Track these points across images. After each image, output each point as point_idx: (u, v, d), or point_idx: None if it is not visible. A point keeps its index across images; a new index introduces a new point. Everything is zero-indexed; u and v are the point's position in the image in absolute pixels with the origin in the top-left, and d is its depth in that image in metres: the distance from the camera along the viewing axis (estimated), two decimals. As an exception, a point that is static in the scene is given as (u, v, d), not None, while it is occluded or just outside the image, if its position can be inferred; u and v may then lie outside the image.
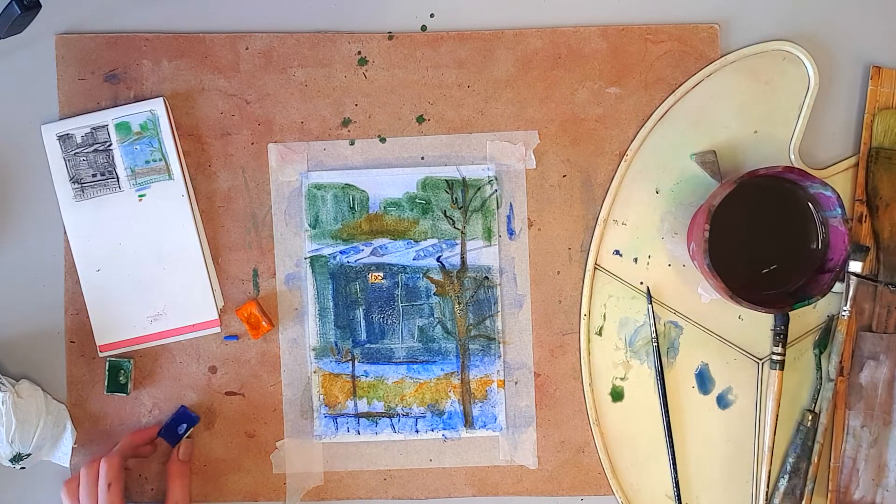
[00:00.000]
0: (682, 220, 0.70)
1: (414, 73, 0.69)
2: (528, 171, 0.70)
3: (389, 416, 0.69)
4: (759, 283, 0.65)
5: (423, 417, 0.70)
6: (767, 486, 0.69)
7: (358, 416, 0.69)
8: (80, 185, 0.68)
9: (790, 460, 0.69)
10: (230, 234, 0.69)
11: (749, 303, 0.62)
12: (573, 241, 0.70)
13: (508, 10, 0.70)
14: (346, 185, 0.69)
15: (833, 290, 0.66)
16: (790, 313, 0.68)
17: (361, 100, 0.69)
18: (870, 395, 0.69)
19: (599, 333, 0.70)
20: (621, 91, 0.70)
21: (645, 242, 0.70)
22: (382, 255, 0.69)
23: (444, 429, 0.70)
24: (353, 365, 0.69)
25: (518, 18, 0.70)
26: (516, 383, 0.70)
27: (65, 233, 0.69)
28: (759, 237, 0.66)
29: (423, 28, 0.70)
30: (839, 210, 0.63)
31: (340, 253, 0.69)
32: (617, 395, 0.70)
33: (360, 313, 0.69)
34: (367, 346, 0.69)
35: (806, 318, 0.69)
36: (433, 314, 0.69)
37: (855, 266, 0.67)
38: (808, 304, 0.63)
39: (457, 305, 0.69)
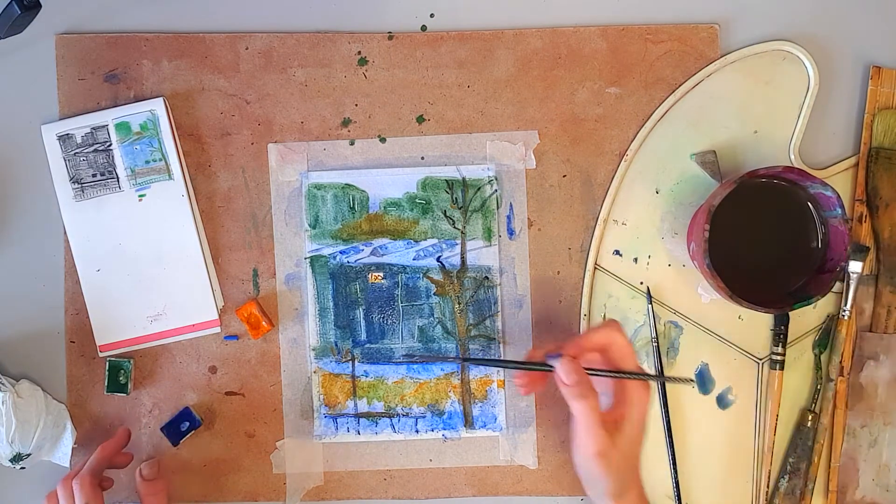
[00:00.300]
0: (682, 220, 0.70)
1: (414, 73, 0.69)
2: (528, 171, 0.70)
3: (389, 416, 0.69)
4: (759, 283, 0.65)
5: (423, 417, 0.70)
6: (767, 486, 0.69)
7: (358, 416, 0.69)
8: (80, 185, 0.68)
9: (790, 460, 0.69)
10: (230, 234, 0.69)
11: (749, 303, 0.62)
12: (573, 241, 0.70)
13: (508, 10, 0.70)
14: (346, 185, 0.69)
15: (833, 290, 0.66)
16: (790, 313, 0.68)
17: (361, 100, 0.69)
18: (870, 395, 0.69)
19: (599, 333, 0.70)
20: (621, 91, 0.70)
21: (645, 242, 0.70)
22: (382, 255, 0.69)
23: (444, 429, 0.70)
24: (353, 365, 0.69)
25: (518, 18, 0.70)
26: (516, 383, 0.70)
27: (65, 233, 0.69)
28: (759, 237, 0.66)
29: (423, 28, 0.70)
30: (839, 210, 0.63)
31: (340, 253, 0.69)
32: (617, 395, 0.70)
33: (360, 313, 0.69)
34: (367, 346, 0.69)
35: (806, 318, 0.69)
36: (433, 314, 0.69)
37: (855, 266, 0.67)
38: (808, 304, 0.63)
39: (457, 305, 0.69)
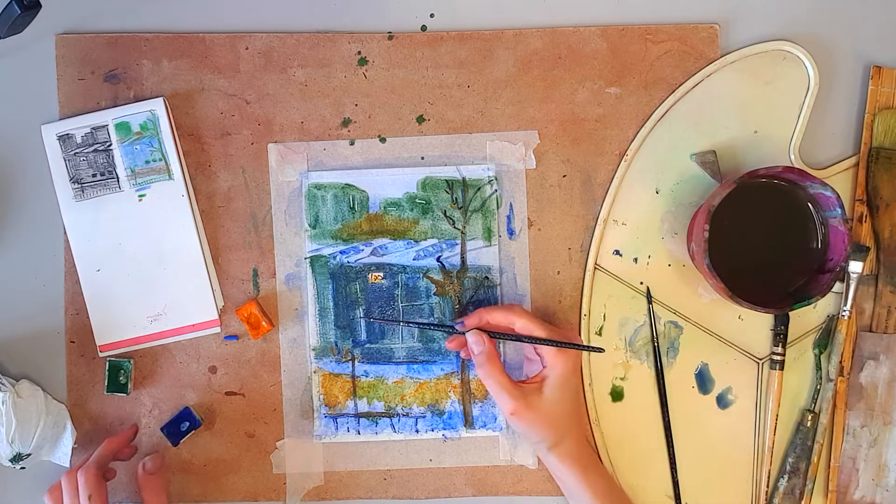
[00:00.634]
0: (682, 220, 0.70)
1: (414, 73, 0.69)
2: (528, 171, 0.70)
3: (389, 416, 0.69)
4: (759, 283, 0.65)
5: (423, 417, 0.70)
6: (767, 486, 0.69)
7: (358, 416, 0.69)
8: (80, 185, 0.68)
9: (790, 460, 0.69)
10: (230, 234, 0.69)
11: (749, 303, 0.62)
12: (573, 241, 0.70)
13: (508, 10, 0.70)
14: (346, 185, 0.69)
15: (833, 290, 0.66)
16: (790, 313, 0.68)
17: (361, 100, 0.69)
18: (870, 395, 0.69)
19: (599, 333, 0.70)
20: (621, 91, 0.70)
21: (645, 242, 0.70)
22: (382, 255, 0.69)
23: (444, 429, 0.70)
24: (353, 365, 0.69)
25: (518, 18, 0.70)
26: (516, 383, 0.70)
27: (65, 233, 0.69)
28: (759, 237, 0.66)
29: (423, 28, 0.70)
30: (839, 210, 0.63)
31: (340, 253, 0.69)
32: (617, 395, 0.70)
33: (360, 313, 0.69)
34: (367, 346, 0.69)
35: (806, 318, 0.69)
36: (433, 314, 0.69)
37: (855, 266, 0.67)
38: (808, 304, 0.63)
39: (457, 305, 0.69)
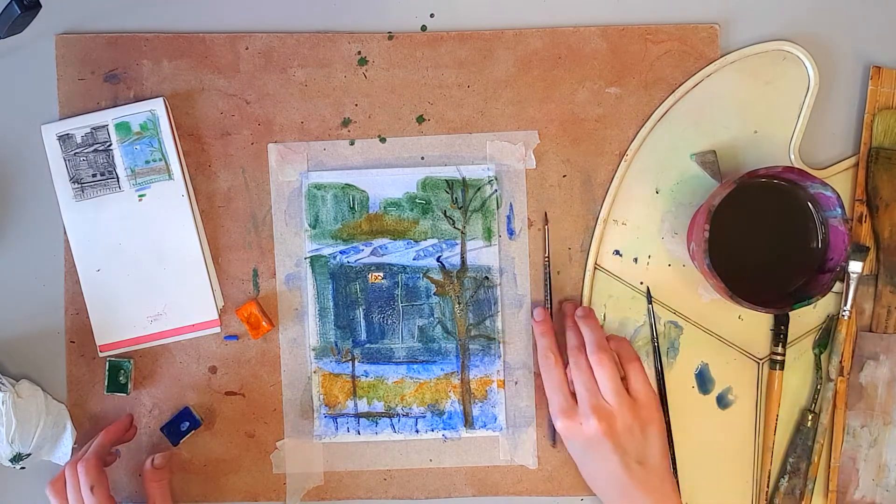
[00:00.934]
0: (682, 220, 0.70)
1: (414, 73, 0.69)
2: (528, 171, 0.70)
3: (389, 416, 0.69)
4: (759, 283, 0.65)
5: (423, 417, 0.70)
6: (767, 486, 0.69)
7: (358, 416, 0.69)
8: (80, 185, 0.68)
9: (790, 460, 0.69)
10: (230, 234, 0.69)
11: (749, 303, 0.62)
12: (573, 241, 0.70)
13: (508, 10, 0.70)
14: (346, 185, 0.69)
15: (833, 290, 0.66)
16: (790, 313, 0.68)
17: (361, 100, 0.69)
18: (870, 395, 0.69)
19: (599, 333, 0.69)
20: (621, 91, 0.70)
21: (645, 242, 0.70)
22: (382, 255, 0.69)
23: (444, 429, 0.70)
24: (353, 365, 0.69)
25: (518, 18, 0.70)
26: (516, 383, 0.70)
27: (65, 233, 0.69)
28: (759, 237, 0.66)
29: (423, 28, 0.70)
30: (839, 210, 0.63)
31: (340, 253, 0.69)
32: (617, 395, 0.69)
33: (360, 313, 0.69)
34: (367, 346, 0.69)
35: (806, 318, 0.69)
36: (433, 314, 0.69)
37: (855, 266, 0.67)
38: (808, 304, 0.63)
39: (457, 305, 0.69)
